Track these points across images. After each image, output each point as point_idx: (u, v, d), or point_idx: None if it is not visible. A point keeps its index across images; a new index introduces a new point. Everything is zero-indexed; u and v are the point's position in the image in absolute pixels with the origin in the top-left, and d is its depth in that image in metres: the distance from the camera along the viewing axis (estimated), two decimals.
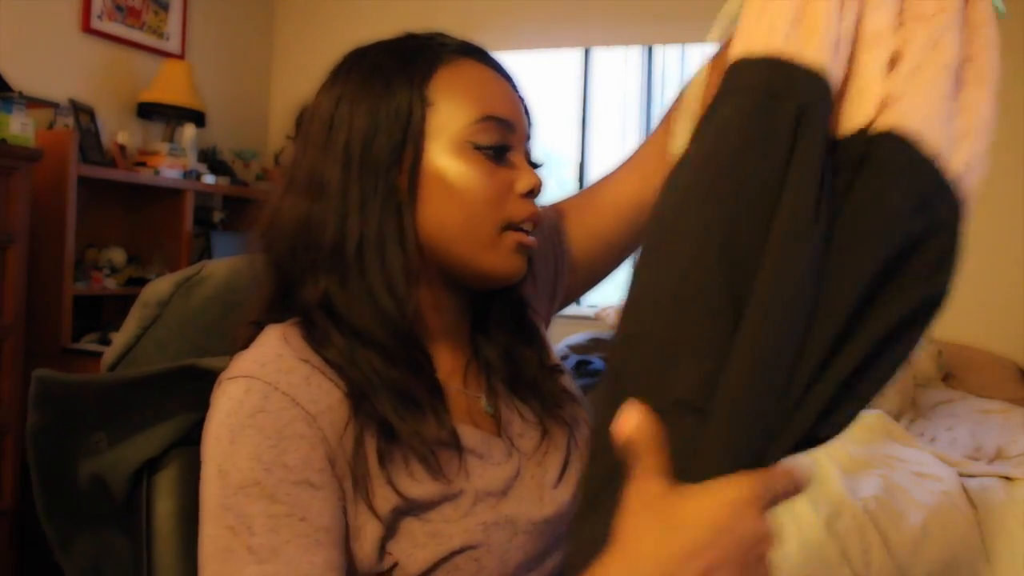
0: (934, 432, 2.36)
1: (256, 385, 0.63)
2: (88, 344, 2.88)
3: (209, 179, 3.39)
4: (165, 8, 3.47)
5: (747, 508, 0.48)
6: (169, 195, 3.27)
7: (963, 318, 3.28)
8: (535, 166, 0.75)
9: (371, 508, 0.64)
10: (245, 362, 0.66)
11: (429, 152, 0.69)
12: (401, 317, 0.67)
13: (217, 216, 3.63)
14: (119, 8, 3.27)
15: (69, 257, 2.76)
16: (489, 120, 0.70)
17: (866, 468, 1.93)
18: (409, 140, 0.69)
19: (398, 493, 0.64)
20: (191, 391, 0.81)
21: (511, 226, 0.70)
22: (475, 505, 0.67)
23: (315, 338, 0.68)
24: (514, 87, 0.76)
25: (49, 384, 0.80)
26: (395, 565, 0.64)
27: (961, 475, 1.94)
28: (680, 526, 0.48)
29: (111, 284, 3.03)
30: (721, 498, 0.48)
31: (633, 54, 3.79)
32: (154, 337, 0.84)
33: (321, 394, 0.64)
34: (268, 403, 0.62)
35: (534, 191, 0.72)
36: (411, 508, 0.65)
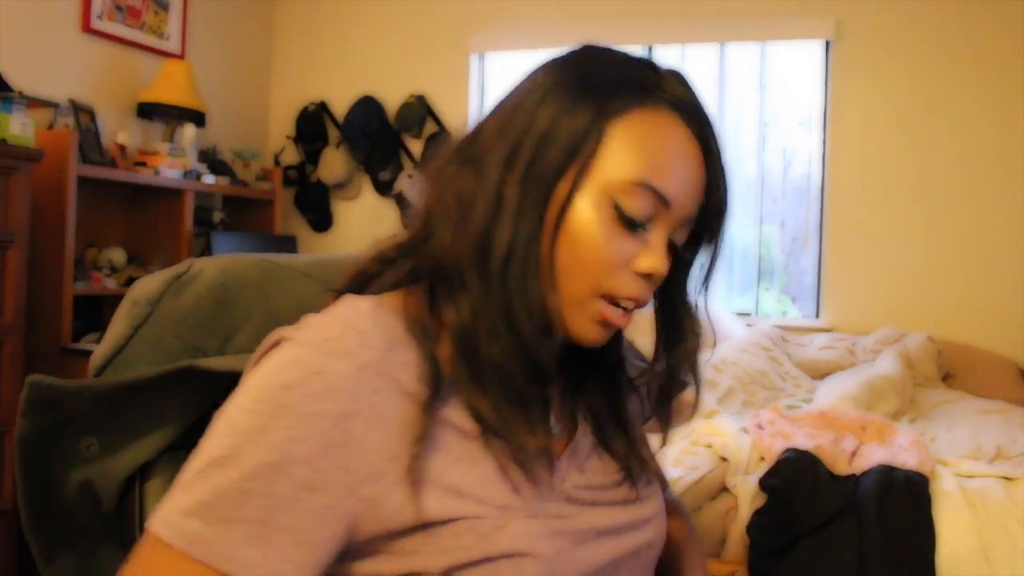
0: (934, 432, 2.36)
1: (305, 358, 0.60)
2: (88, 344, 2.88)
3: (209, 179, 3.40)
4: (165, 8, 3.47)
5: None
6: (169, 195, 3.27)
7: (963, 318, 3.28)
8: (684, 254, 0.73)
9: (417, 507, 0.61)
10: (311, 329, 0.63)
11: (580, 188, 0.66)
12: (534, 337, 0.65)
13: (217, 216, 3.63)
14: (119, 8, 3.27)
15: (69, 257, 2.76)
16: (643, 187, 0.66)
17: None
18: (572, 168, 0.66)
19: (461, 497, 0.63)
20: (187, 393, 0.79)
21: (608, 297, 0.67)
22: (532, 516, 0.66)
23: (417, 318, 0.66)
24: (711, 163, 0.70)
25: (42, 390, 0.77)
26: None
27: (961, 475, 1.94)
28: None
29: (111, 284, 3.03)
30: None
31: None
32: (145, 336, 0.82)
33: (373, 385, 0.61)
34: (302, 385, 0.59)
35: (653, 276, 0.68)
36: (469, 515, 0.63)
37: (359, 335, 0.62)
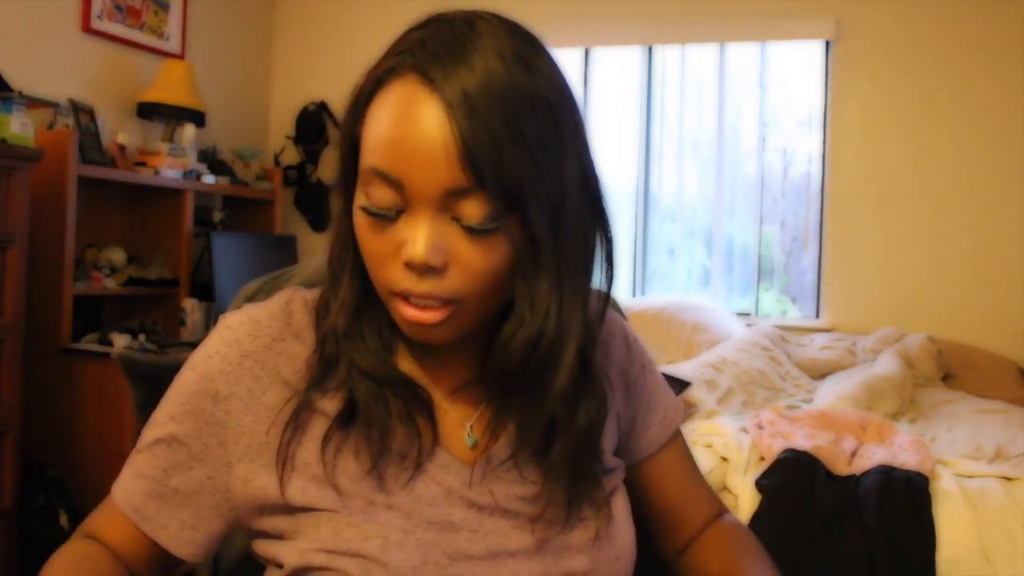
0: (934, 432, 2.36)
1: (210, 342, 0.69)
2: (88, 344, 2.88)
3: (209, 179, 3.40)
4: (165, 8, 3.47)
5: None
6: (169, 195, 3.27)
7: (963, 318, 3.28)
8: (481, 230, 0.59)
9: (282, 490, 0.65)
10: (227, 316, 0.71)
11: (356, 191, 0.64)
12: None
13: (217, 216, 3.63)
14: (119, 8, 3.27)
15: (69, 257, 2.76)
16: (373, 174, 0.61)
17: None
18: (350, 172, 0.66)
19: (323, 487, 0.65)
20: None
21: (396, 294, 0.63)
22: (405, 519, 0.65)
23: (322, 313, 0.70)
24: (459, 114, 0.57)
25: (127, 362, 0.91)
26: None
27: (961, 475, 1.94)
28: None
29: (111, 284, 3.03)
30: None
31: (633, 54, 3.80)
32: None
33: (254, 373, 0.67)
34: (198, 367, 0.68)
35: (414, 264, 0.60)
36: (326, 507, 0.65)
37: (254, 325, 0.69)
